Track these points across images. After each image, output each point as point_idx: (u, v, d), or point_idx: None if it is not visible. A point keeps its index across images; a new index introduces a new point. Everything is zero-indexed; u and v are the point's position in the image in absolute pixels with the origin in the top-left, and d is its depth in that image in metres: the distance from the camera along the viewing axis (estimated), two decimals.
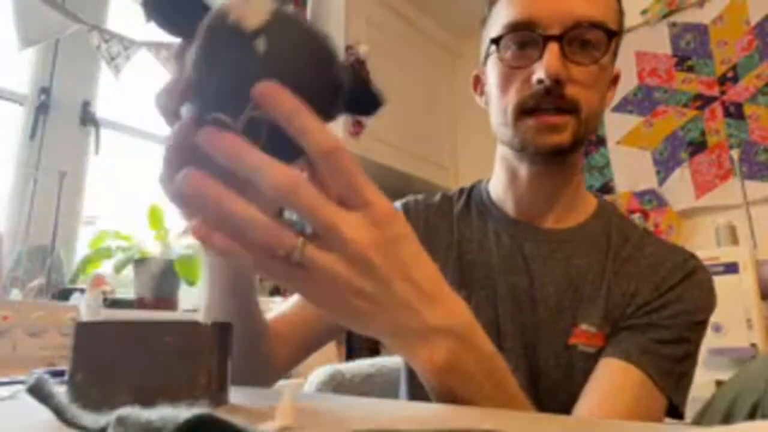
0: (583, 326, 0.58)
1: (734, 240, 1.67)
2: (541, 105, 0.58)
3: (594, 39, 0.58)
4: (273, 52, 0.29)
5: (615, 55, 0.63)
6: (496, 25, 0.63)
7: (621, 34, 0.62)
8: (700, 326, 0.59)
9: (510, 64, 0.60)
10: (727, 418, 0.48)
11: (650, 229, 0.68)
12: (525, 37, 0.59)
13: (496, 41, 0.61)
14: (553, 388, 0.57)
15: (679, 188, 2.02)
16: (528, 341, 0.59)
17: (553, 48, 0.56)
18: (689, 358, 0.57)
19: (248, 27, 0.29)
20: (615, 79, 0.66)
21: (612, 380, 0.53)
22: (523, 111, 0.59)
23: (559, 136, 0.58)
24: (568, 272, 0.61)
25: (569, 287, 0.60)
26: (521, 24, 0.59)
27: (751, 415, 0.44)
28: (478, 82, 0.73)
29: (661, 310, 0.57)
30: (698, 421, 0.54)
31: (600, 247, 0.63)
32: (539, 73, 0.57)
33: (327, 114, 0.31)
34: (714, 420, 0.50)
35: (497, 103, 0.63)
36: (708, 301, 0.60)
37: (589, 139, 0.64)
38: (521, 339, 0.59)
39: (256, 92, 0.28)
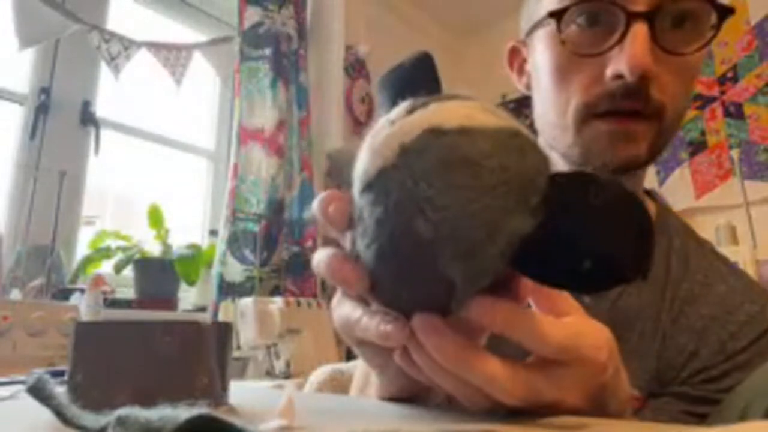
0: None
1: (734, 240, 1.67)
2: (616, 107, 0.44)
3: (695, 16, 0.44)
4: (368, 229, 0.23)
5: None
6: None
7: (734, 12, 0.45)
8: None
9: (577, 50, 0.45)
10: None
11: (720, 252, 0.53)
12: (601, 10, 0.44)
13: (557, 15, 0.45)
14: None
15: (679, 188, 2.02)
16: None
17: (640, 30, 0.42)
18: None
19: (358, 185, 0.23)
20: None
21: None
22: (592, 113, 0.45)
23: (635, 147, 0.45)
24: (614, 315, 0.48)
25: (612, 332, 0.50)
26: None
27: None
28: (515, 57, 0.56)
29: (722, 379, 0.44)
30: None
31: (656, 282, 0.49)
32: (619, 64, 0.42)
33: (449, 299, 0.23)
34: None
35: (552, 97, 0.48)
36: None
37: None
38: None
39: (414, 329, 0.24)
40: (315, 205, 0.26)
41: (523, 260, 0.21)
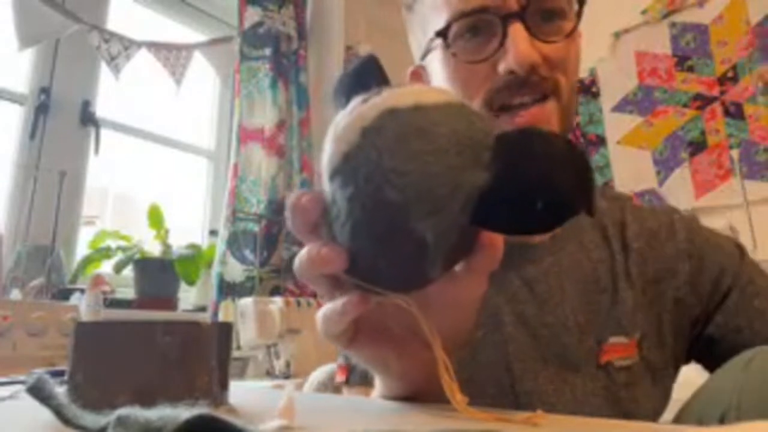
0: (612, 339, 0.49)
1: None
2: (515, 100, 0.48)
3: (560, 6, 0.49)
4: (342, 209, 0.25)
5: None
6: (435, 12, 0.51)
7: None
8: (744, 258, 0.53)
9: (468, 59, 0.49)
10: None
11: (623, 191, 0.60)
12: (479, 21, 0.48)
13: (442, 33, 0.49)
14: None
15: (679, 188, 2.02)
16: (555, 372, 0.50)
17: (517, 28, 0.46)
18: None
19: (327, 172, 0.26)
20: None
21: None
22: (493, 108, 0.48)
23: (550, 127, 0.47)
24: (577, 276, 0.52)
25: (581, 293, 0.51)
26: (471, 11, 0.48)
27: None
28: (418, 80, 0.61)
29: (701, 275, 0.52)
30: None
31: (596, 230, 0.55)
32: (509, 62, 0.46)
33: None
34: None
35: None
36: (722, 238, 0.55)
37: (588, 139, 0.58)
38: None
39: None
40: (287, 205, 0.28)
41: (484, 214, 0.24)
